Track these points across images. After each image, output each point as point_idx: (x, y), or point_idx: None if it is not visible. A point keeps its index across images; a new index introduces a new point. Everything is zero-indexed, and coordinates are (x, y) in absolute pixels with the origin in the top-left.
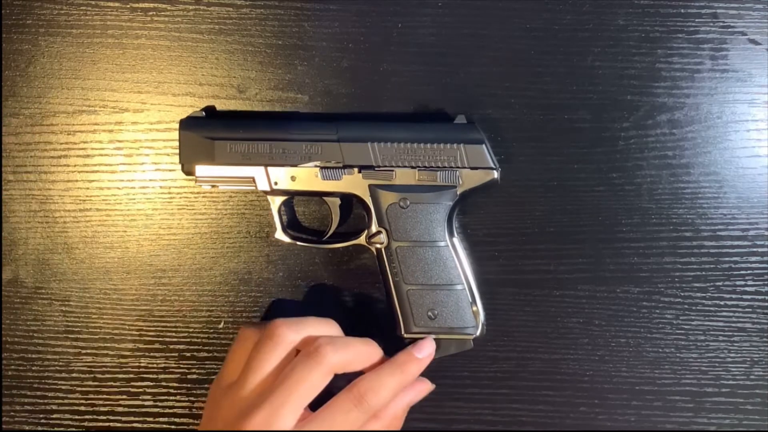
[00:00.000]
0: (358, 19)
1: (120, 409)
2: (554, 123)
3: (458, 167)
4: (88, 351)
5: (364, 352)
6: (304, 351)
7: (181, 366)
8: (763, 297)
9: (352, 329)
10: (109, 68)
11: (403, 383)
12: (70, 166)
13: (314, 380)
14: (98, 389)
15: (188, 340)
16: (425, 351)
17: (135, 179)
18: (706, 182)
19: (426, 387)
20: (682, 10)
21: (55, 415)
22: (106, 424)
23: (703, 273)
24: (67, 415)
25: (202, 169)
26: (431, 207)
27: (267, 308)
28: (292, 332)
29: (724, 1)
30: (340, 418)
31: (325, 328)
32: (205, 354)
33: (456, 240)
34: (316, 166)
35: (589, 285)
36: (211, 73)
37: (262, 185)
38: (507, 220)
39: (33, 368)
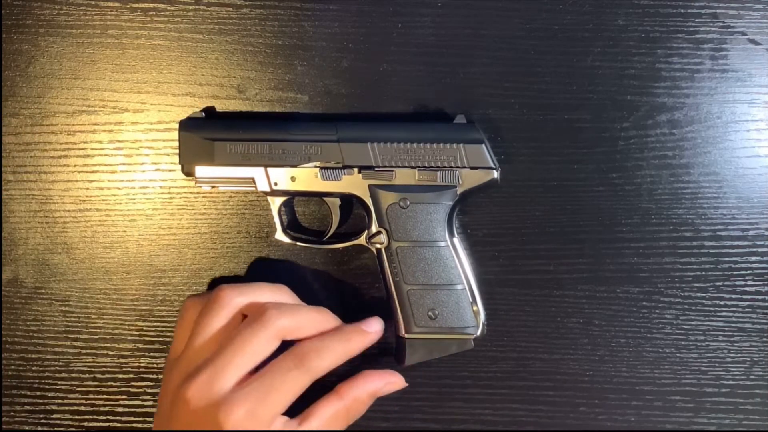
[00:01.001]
0: (358, 19)
1: (120, 409)
2: (554, 123)
3: (458, 167)
4: (88, 351)
5: (314, 318)
6: (250, 316)
7: None
8: (763, 297)
9: None
10: (109, 68)
11: (348, 352)
12: (70, 166)
13: (259, 344)
14: (98, 389)
15: None
16: (373, 327)
17: (135, 179)
18: (706, 182)
19: (397, 381)
20: (682, 10)
21: (55, 415)
22: (106, 424)
23: (703, 273)
24: (67, 415)
25: (201, 170)
26: (431, 207)
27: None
28: (236, 294)
29: (724, 1)
30: (280, 377)
31: (275, 293)
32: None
33: (456, 240)
34: (315, 167)
35: (589, 285)
36: (211, 73)
37: (262, 186)
38: (507, 220)
39: (33, 368)
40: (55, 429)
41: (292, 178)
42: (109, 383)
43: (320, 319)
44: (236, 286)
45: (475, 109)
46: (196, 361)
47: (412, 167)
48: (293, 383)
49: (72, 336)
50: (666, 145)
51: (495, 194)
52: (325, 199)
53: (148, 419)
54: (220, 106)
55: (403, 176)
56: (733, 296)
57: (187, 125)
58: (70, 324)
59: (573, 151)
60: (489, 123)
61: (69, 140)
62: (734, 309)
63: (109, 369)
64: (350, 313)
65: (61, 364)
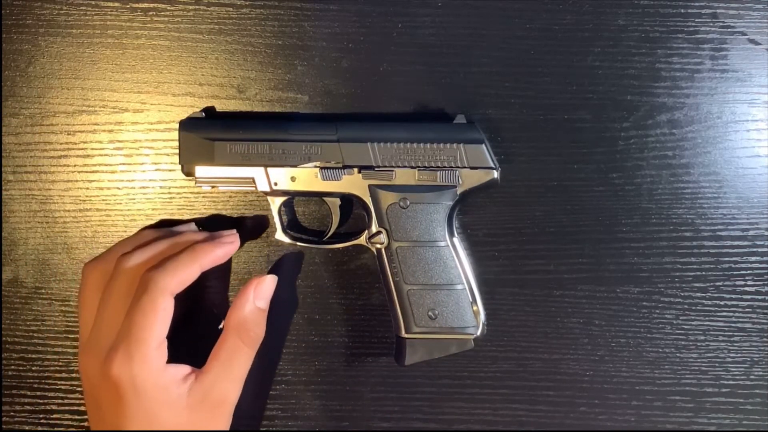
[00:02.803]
0: (358, 19)
1: None
2: (554, 123)
3: (458, 167)
4: None
5: (187, 259)
6: (138, 285)
7: None
8: (763, 297)
9: (352, 329)
10: (109, 68)
11: (195, 264)
12: (70, 166)
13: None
14: None
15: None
16: (225, 240)
17: (135, 179)
18: (706, 182)
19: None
20: (682, 10)
21: (55, 415)
22: None
23: (703, 273)
24: (67, 415)
25: (201, 170)
26: (431, 207)
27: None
28: (131, 261)
29: (724, 1)
30: (141, 313)
31: (167, 240)
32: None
33: (456, 240)
34: (315, 167)
35: (589, 285)
36: (211, 73)
37: (262, 186)
38: (507, 220)
39: (33, 368)
40: (55, 429)
41: (292, 178)
42: None
43: (193, 257)
44: (130, 253)
45: (475, 109)
46: (108, 339)
47: (412, 167)
48: (152, 309)
49: (72, 336)
50: (666, 145)
51: (495, 194)
52: (325, 199)
53: None
54: (220, 106)
55: (403, 176)
56: (733, 296)
57: (187, 125)
58: (70, 324)
59: (573, 151)
60: (489, 123)
61: (69, 140)
62: (734, 309)
63: None
64: (351, 313)
65: (61, 364)
